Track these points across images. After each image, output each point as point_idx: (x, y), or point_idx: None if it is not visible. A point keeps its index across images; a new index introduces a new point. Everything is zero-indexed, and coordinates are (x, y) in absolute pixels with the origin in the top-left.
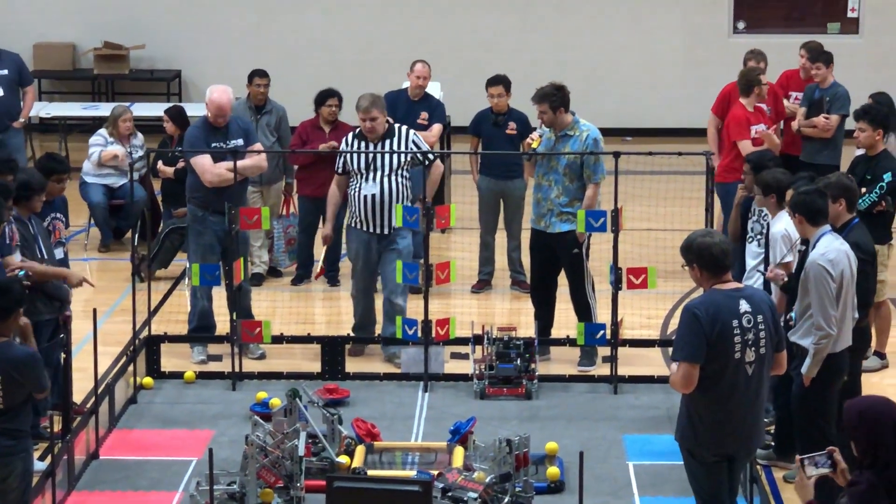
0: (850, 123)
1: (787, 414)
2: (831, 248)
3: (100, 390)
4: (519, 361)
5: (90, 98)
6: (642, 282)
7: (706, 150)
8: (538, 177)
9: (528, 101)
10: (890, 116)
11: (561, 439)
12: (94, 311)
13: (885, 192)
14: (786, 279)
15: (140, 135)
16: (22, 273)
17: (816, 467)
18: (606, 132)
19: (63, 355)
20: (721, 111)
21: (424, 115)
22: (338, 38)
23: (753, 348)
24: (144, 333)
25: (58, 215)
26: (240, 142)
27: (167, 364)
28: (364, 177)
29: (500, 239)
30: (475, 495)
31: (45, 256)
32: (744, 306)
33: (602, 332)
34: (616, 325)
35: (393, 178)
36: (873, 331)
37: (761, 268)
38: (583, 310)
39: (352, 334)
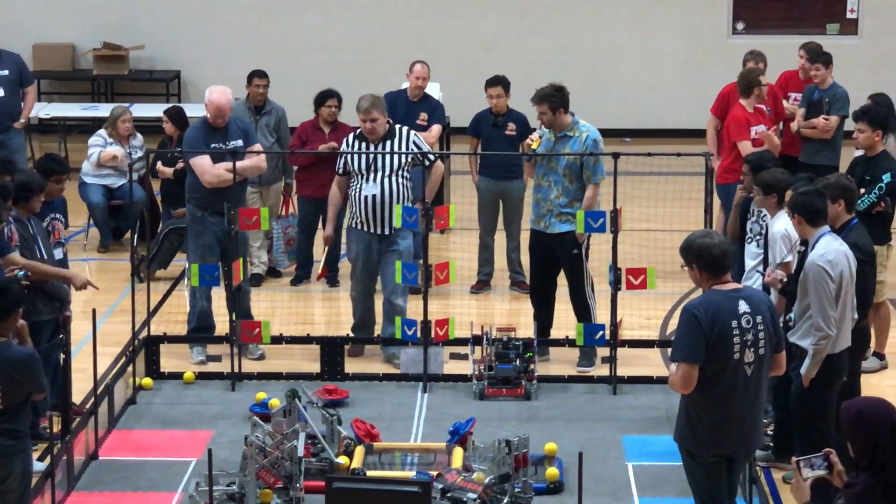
0: (849, 124)
1: (787, 415)
2: (830, 249)
3: (99, 391)
4: (518, 362)
5: (89, 98)
6: (641, 282)
7: (705, 151)
8: (538, 177)
9: (528, 102)
10: (889, 117)
11: (560, 440)
12: (94, 311)
13: (884, 193)
14: (784, 279)
15: (139, 135)
16: (21, 273)
17: (812, 469)
18: (606, 133)
19: (62, 356)
20: (720, 112)
21: (424, 115)
22: (337, 39)
23: (752, 349)
24: (144, 334)
25: (57, 216)
26: (239, 142)
27: (166, 364)
28: (365, 178)
29: (500, 239)
30: (474, 496)
31: (45, 257)
32: (743, 307)
33: (601, 332)
34: (615, 325)
35: (394, 178)
36: (872, 331)
37: (760, 268)
38: (582, 310)
39: (351, 335)
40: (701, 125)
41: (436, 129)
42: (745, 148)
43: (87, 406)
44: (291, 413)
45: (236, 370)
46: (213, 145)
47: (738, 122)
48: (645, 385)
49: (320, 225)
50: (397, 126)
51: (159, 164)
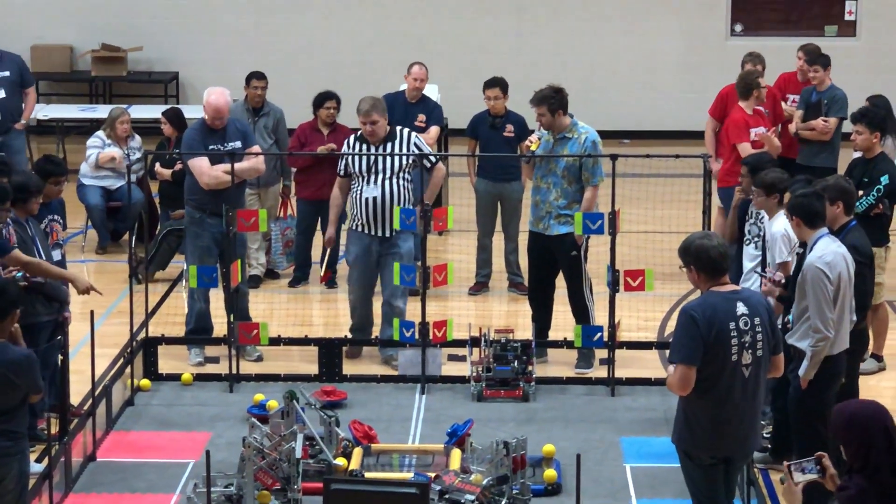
0: (847, 126)
1: (785, 416)
2: (828, 251)
3: (97, 392)
4: (516, 364)
5: (88, 100)
6: (639, 284)
7: (704, 153)
8: (536, 179)
9: (526, 104)
10: (887, 119)
11: (558, 441)
12: (92, 312)
13: (883, 195)
14: (783, 280)
15: (138, 137)
16: (19, 275)
17: (804, 473)
18: (604, 135)
19: (60, 357)
20: (718, 114)
21: (422, 117)
22: (336, 41)
23: (750, 351)
24: (142, 335)
25: (55, 217)
26: (238, 144)
27: (164, 366)
28: (365, 179)
29: (498, 241)
30: (472, 497)
31: (43, 258)
32: (741, 309)
33: (599, 334)
34: (613, 327)
35: (394, 180)
36: (871, 333)
37: (759, 269)
38: (581, 312)
39: (349, 336)
40: (699, 127)
41: (434, 130)
42: (745, 150)
43: (85, 407)
44: (289, 414)
45: (234, 372)
46: (211, 147)
47: (737, 125)
48: (643, 387)
49: (319, 226)
50: (398, 128)
51: (157, 166)
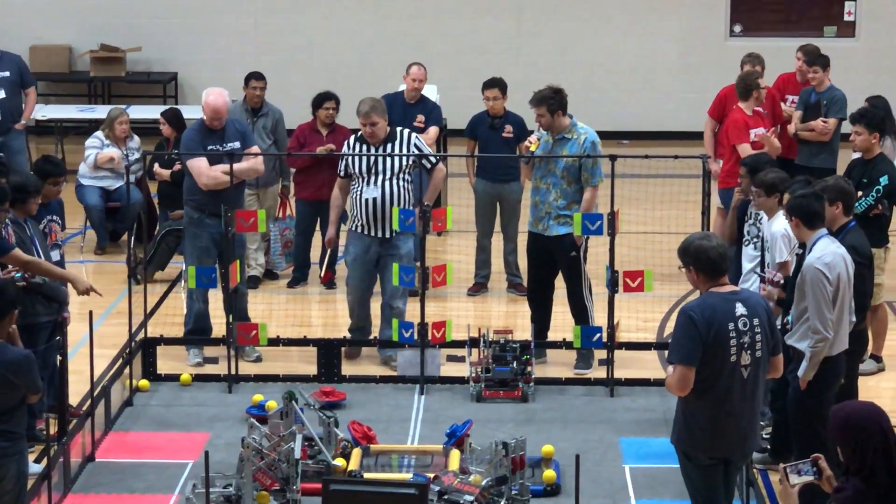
0: (846, 127)
1: (784, 417)
2: (828, 252)
3: (96, 393)
4: (515, 364)
5: (86, 100)
6: (639, 285)
7: (703, 154)
8: (536, 180)
9: (525, 104)
10: (886, 120)
11: (557, 442)
12: (90, 313)
13: (882, 196)
14: (782, 281)
15: (136, 137)
16: (18, 275)
17: (800, 475)
18: (603, 135)
19: (59, 357)
20: (717, 114)
21: (421, 117)
22: (335, 41)
23: (749, 351)
24: (140, 336)
25: (54, 217)
26: (236, 144)
27: (163, 366)
28: (365, 180)
29: (497, 242)
30: (471, 498)
31: (42, 258)
32: (740, 309)
33: (598, 334)
34: (612, 328)
35: (394, 181)
36: (870, 334)
37: (758, 270)
38: (580, 313)
39: (348, 336)
40: (698, 128)
41: (433, 130)
42: (745, 151)
43: (84, 408)
44: (288, 415)
45: (233, 372)
46: (210, 147)
47: (737, 126)
48: (642, 387)
49: (318, 227)
50: (398, 129)
51: (156, 166)
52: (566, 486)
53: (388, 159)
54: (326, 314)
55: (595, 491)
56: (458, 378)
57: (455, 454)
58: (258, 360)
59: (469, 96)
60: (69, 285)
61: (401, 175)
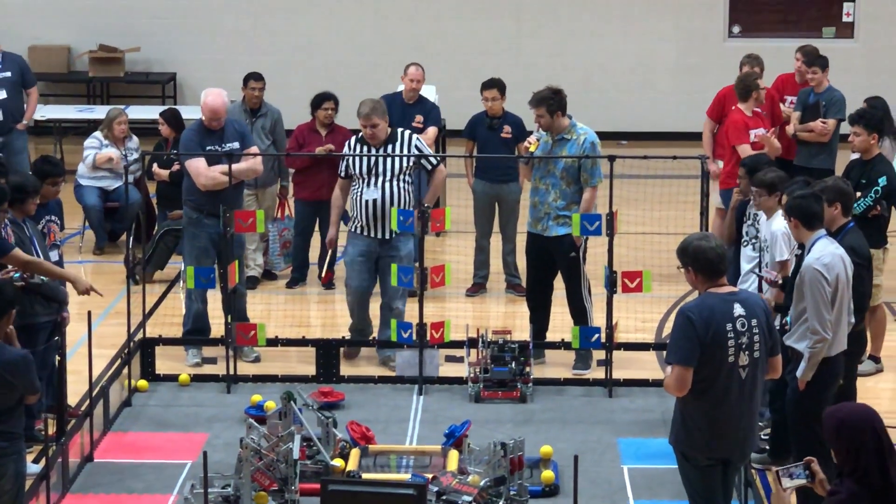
0: (844, 128)
1: (783, 417)
2: (826, 252)
3: (94, 393)
4: (514, 365)
5: (85, 101)
6: (637, 285)
7: (701, 154)
8: (535, 180)
9: (524, 105)
10: (885, 120)
11: (556, 443)
12: (89, 313)
13: (880, 197)
14: (780, 281)
15: (135, 137)
16: (17, 275)
17: (792, 479)
18: (602, 136)
19: (57, 358)
20: (716, 115)
21: (419, 118)
22: (334, 42)
23: (747, 352)
24: (139, 336)
25: (52, 218)
26: (235, 145)
27: (162, 367)
28: (366, 181)
29: (495, 242)
30: (469, 499)
31: (41, 259)
32: (738, 310)
33: (597, 335)
34: (611, 328)
35: (395, 182)
36: (868, 335)
37: (757, 271)
38: (579, 313)
39: (347, 337)
40: (697, 128)
41: (431, 131)
42: (745, 151)
43: (83, 408)
44: (287, 415)
45: (232, 372)
46: (208, 148)
47: (736, 127)
48: (640, 388)
49: (317, 227)
50: (399, 130)
51: (155, 167)
52: (564, 487)
53: (389, 160)
54: (325, 315)
55: (593, 491)
56: (456, 378)
57: (453, 455)
58: (257, 360)
59: (468, 97)
60: (69, 285)
61: (401, 176)
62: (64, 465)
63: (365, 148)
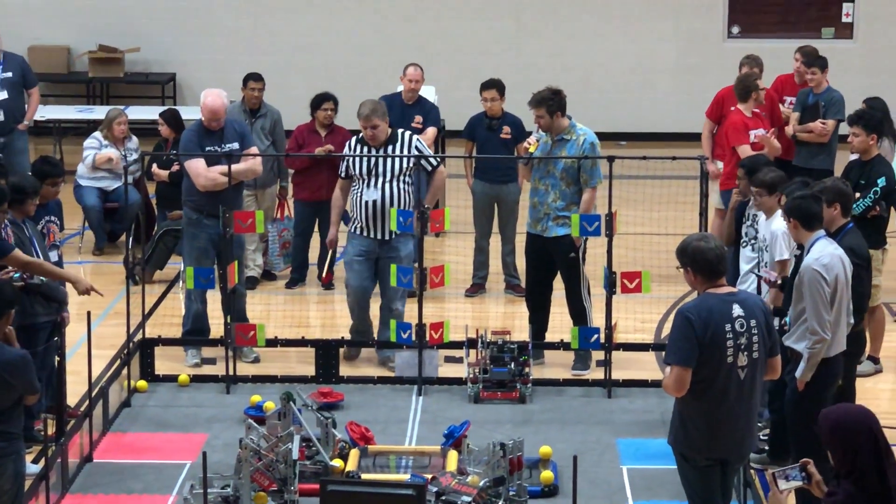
0: (843, 128)
1: (782, 418)
2: (825, 253)
3: (94, 393)
4: (513, 365)
5: (85, 101)
6: (636, 286)
7: (700, 155)
8: (535, 181)
9: (525, 105)
10: (884, 121)
11: (555, 443)
12: (88, 313)
13: (879, 197)
14: (779, 281)
15: (135, 138)
16: (17, 276)
17: (788, 480)
18: (602, 136)
19: (57, 358)
20: (715, 116)
21: (418, 118)
22: (333, 42)
23: (746, 353)
24: (138, 336)
25: (52, 218)
26: (235, 145)
27: (161, 367)
28: (366, 182)
29: (495, 243)
30: (469, 499)
31: (41, 259)
32: (737, 311)
33: (596, 335)
34: (610, 328)
35: (395, 183)
36: (867, 335)
37: (756, 271)
38: (578, 314)
39: (347, 337)
40: (696, 129)
41: (430, 131)
42: (745, 152)
43: (82, 408)
44: (286, 416)
45: (231, 373)
46: (208, 148)
47: (736, 127)
48: (640, 388)
49: (317, 228)
50: (399, 131)
51: (154, 167)
52: (563, 487)
53: (389, 161)
54: (324, 315)
55: (592, 492)
56: (455, 379)
57: (453, 455)
58: (256, 360)
59: (467, 97)
60: (69, 285)
61: (401, 177)
62: (63, 466)
63: (365, 149)
